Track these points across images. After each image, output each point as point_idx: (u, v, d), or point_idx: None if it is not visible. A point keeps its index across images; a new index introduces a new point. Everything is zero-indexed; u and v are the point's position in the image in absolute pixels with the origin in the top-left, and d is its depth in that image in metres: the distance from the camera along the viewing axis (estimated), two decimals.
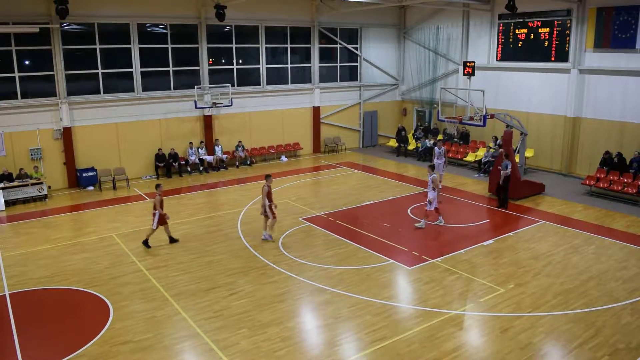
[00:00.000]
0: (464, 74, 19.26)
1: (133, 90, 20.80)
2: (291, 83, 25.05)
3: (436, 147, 18.79)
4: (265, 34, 23.68)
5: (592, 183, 18.31)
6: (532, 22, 21.72)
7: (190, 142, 22.09)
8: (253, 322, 9.73)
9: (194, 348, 8.97)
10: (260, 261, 12.63)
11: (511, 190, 16.92)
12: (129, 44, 20.39)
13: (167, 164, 21.39)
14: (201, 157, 22.21)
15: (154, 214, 13.36)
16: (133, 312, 10.19)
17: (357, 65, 27.12)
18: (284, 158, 24.73)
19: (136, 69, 20.69)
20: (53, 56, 18.88)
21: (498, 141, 21.26)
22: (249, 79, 23.80)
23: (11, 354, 8.78)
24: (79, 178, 19.58)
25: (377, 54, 27.42)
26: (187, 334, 9.39)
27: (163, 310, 10.24)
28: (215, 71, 22.85)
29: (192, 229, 14.98)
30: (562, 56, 20.84)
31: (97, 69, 19.91)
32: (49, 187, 18.79)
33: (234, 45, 23.08)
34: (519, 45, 22.39)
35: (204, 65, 22.25)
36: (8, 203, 17.38)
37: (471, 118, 18.16)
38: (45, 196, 18.16)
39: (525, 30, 22.06)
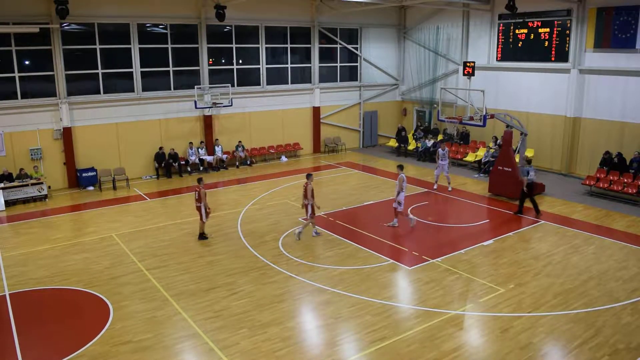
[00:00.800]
0: (464, 74, 19.25)
1: (133, 90, 20.80)
2: (291, 83, 25.04)
3: (440, 149, 18.79)
4: (265, 34, 23.68)
5: (592, 183, 18.31)
6: (532, 22, 21.71)
7: (190, 142, 22.09)
8: (253, 322, 9.74)
9: (194, 348, 8.97)
10: (261, 261, 12.64)
11: (514, 191, 16.85)
12: (129, 44, 20.39)
13: (167, 164, 21.40)
14: (201, 157, 22.21)
15: (199, 207, 13.79)
16: (133, 312, 10.19)
17: (357, 66, 27.12)
18: (284, 158, 24.73)
19: (136, 69, 20.68)
20: (53, 56, 18.88)
21: (498, 141, 21.24)
22: (249, 79, 23.80)
23: (11, 354, 8.77)
24: (79, 178, 19.59)
25: (377, 54, 27.42)
26: (187, 334, 9.39)
27: (163, 310, 10.24)
28: (215, 71, 22.84)
29: (192, 229, 14.98)
30: (562, 56, 20.84)
31: (97, 69, 19.91)
32: (49, 187, 18.79)
33: (234, 45, 23.09)
34: (519, 45, 22.38)
35: (204, 65, 22.24)
36: (8, 203, 17.39)
37: (471, 118, 18.15)
38: (45, 196, 18.17)
39: (525, 31, 22.04)
